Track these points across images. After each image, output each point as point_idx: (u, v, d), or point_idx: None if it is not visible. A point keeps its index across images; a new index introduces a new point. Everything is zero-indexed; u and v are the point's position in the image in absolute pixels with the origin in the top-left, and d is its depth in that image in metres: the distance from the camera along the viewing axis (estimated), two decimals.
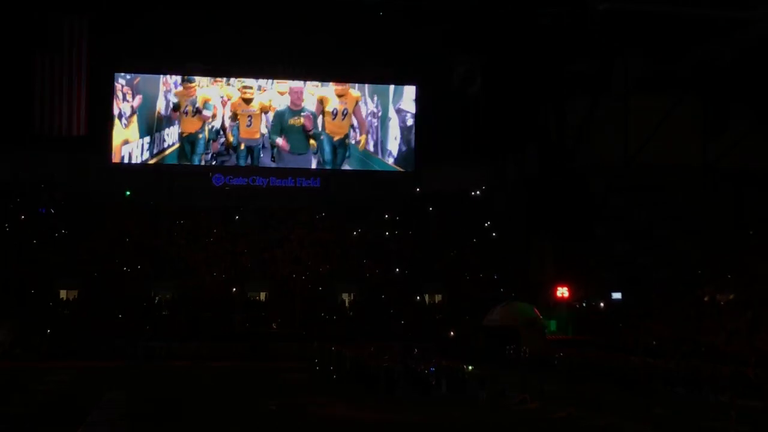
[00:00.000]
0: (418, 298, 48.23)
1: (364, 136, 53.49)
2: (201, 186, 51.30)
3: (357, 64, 52.33)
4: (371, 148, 53.61)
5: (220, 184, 51.54)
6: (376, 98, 53.58)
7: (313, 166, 52.88)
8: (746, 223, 49.68)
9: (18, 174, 50.76)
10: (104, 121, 50.34)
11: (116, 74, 50.65)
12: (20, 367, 36.58)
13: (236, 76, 51.77)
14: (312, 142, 52.69)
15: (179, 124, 51.44)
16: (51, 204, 50.54)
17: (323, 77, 52.72)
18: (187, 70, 51.35)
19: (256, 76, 52.04)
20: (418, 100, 53.54)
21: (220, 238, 50.35)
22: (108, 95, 50.47)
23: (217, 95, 51.87)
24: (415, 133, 53.51)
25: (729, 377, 28.80)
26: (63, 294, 45.21)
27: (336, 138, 53.04)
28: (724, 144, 50.04)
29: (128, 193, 51.41)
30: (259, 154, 52.07)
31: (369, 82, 53.38)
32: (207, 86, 51.78)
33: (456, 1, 47.98)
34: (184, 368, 37.19)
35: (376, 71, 53.06)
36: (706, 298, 43.05)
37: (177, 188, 51.29)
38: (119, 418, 23.33)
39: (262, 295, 47.05)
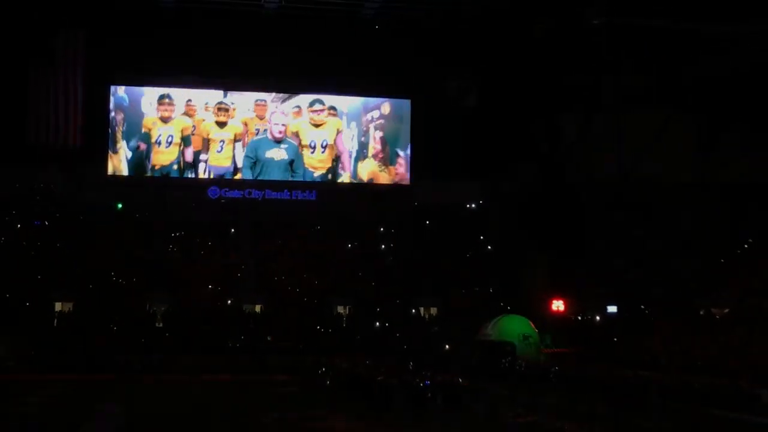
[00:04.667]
0: (413, 311, 48.20)
1: (347, 173, 52.91)
2: (196, 198, 51.32)
3: (351, 78, 52.42)
4: (358, 174, 53.16)
5: (216, 196, 51.56)
6: (364, 118, 53.19)
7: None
8: (741, 237, 49.81)
9: (12, 186, 50.76)
10: (99, 133, 50.35)
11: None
12: (14, 379, 36.46)
13: (231, 90, 51.81)
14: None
15: (152, 155, 51.02)
16: (46, 216, 50.46)
17: (317, 90, 52.76)
18: (183, 82, 51.40)
19: (251, 89, 52.05)
20: (413, 114, 53.65)
21: (215, 251, 50.31)
22: (103, 107, 50.52)
23: (191, 125, 51.30)
24: (410, 147, 53.62)
25: (724, 391, 28.88)
26: (58, 306, 45.03)
27: (317, 173, 52.56)
28: (719, 159, 50.20)
29: (120, 206, 51.34)
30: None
31: (363, 96, 53.43)
32: (185, 115, 51.21)
33: (451, 16, 48.23)
34: (178, 381, 37.06)
35: (371, 85, 53.14)
36: (701, 312, 43.11)
37: (172, 201, 51.30)
38: (112, 431, 23.26)
39: (257, 308, 46.97)
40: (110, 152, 50.98)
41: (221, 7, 47.59)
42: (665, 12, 41.28)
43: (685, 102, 49.81)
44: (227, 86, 51.83)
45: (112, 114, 51.03)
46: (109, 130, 50.92)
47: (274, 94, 52.49)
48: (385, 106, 53.86)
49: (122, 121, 51.16)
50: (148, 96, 51.30)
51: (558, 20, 45.80)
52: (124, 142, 51.07)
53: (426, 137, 52.82)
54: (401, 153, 53.86)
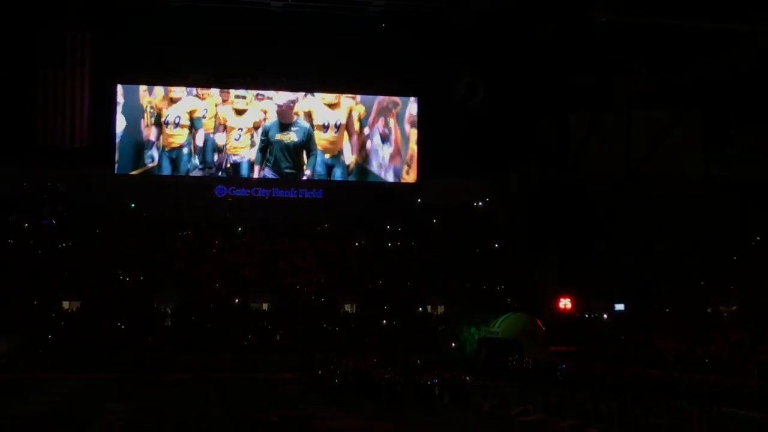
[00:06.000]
0: (420, 309, 48.19)
1: (357, 155, 52.61)
2: (203, 197, 51.35)
3: (359, 76, 52.35)
4: (368, 164, 53.00)
5: (223, 195, 51.52)
6: (375, 111, 53.23)
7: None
8: (748, 235, 49.66)
9: (21, 186, 50.89)
10: (107, 133, 50.45)
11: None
12: (22, 379, 36.57)
13: (238, 88, 51.73)
14: (303, 159, 51.86)
15: (161, 137, 50.91)
16: (54, 216, 50.58)
17: (325, 89, 52.66)
18: (190, 81, 51.40)
19: (259, 88, 52.03)
20: (421, 112, 53.59)
21: (223, 250, 50.35)
22: (111, 107, 50.61)
23: (203, 107, 51.14)
24: (418, 145, 53.52)
25: (732, 389, 28.79)
26: (65, 305, 45.14)
27: (329, 156, 52.37)
28: (726, 157, 50.09)
29: (133, 205, 51.43)
30: (246, 172, 51.61)
31: (371, 94, 53.36)
32: (195, 97, 51.12)
33: (458, 14, 48.16)
34: (186, 380, 37.12)
35: (378, 83, 53.10)
36: (709, 310, 43.02)
37: (179, 200, 51.32)
38: (120, 430, 23.31)
39: (265, 307, 47.02)
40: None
41: (228, 6, 47.60)
42: (674, 10, 41.14)
43: (693, 100, 49.67)
44: (234, 85, 51.75)
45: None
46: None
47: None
48: (393, 104, 53.81)
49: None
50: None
51: (565, 19, 45.67)
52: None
53: (434, 135, 52.74)
54: (408, 150, 53.44)
